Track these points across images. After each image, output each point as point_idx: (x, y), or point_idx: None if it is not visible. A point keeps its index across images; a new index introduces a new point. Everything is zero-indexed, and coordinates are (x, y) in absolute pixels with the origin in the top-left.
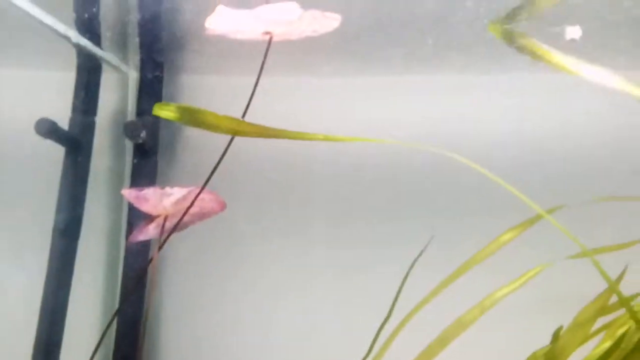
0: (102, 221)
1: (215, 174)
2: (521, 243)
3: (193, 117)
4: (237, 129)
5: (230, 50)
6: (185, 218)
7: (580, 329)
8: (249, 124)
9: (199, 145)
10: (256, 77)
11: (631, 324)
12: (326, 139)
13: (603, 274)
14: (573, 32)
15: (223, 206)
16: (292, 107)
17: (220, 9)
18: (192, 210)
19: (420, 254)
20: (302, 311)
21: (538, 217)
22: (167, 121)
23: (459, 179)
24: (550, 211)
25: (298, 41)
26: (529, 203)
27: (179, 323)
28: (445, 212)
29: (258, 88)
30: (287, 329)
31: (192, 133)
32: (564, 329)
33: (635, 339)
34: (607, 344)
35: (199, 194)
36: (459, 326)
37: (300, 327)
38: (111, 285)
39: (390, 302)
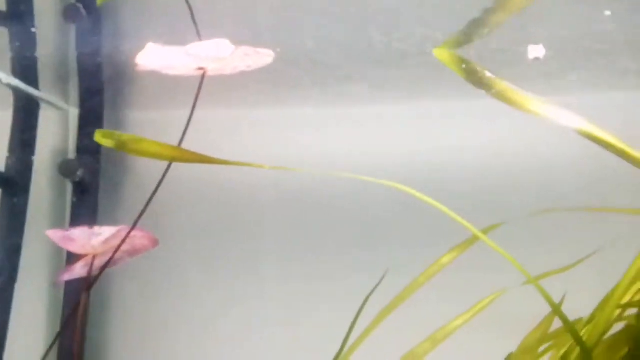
0: (42, 261)
1: (161, 208)
2: (472, 267)
3: (135, 146)
4: (177, 156)
5: (171, 85)
6: (116, 256)
7: (526, 354)
8: (189, 151)
9: (142, 181)
10: (199, 110)
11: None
12: (261, 167)
13: (547, 298)
14: (536, 51)
15: (155, 243)
16: (237, 140)
17: (150, 46)
18: (123, 247)
19: (374, 289)
20: (249, 346)
21: (475, 239)
22: (110, 159)
23: (408, 208)
24: (486, 230)
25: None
26: (466, 225)
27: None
28: (396, 242)
29: (203, 122)
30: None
31: (135, 170)
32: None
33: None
34: None
35: (129, 232)
36: (412, 359)
37: None
38: (52, 326)
39: (341, 336)
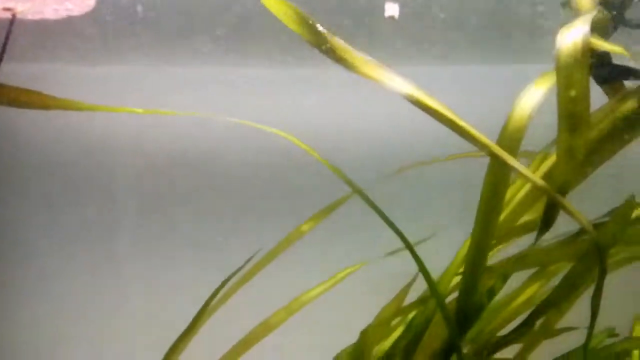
0: None
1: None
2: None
3: None
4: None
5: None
6: None
7: (382, 326)
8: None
9: None
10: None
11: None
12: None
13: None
14: (392, 9)
15: None
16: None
17: None
18: None
19: (244, 264)
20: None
21: (336, 204)
22: None
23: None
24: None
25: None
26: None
27: None
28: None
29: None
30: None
31: None
32: (367, 327)
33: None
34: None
35: None
36: (265, 328)
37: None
38: None
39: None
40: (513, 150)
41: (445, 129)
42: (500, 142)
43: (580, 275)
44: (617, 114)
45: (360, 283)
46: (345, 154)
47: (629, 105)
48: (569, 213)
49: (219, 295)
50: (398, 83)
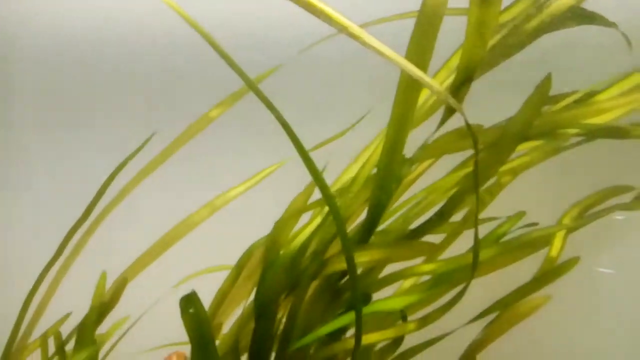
0: None
1: None
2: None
3: None
4: None
5: None
6: None
7: (294, 216)
8: None
9: None
10: None
11: None
12: None
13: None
14: None
15: None
16: None
17: None
18: None
19: (141, 147)
20: None
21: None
22: None
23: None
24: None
25: None
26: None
27: None
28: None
29: None
30: None
31: None
32: (279, 219)
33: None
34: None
35: None
36: (187, 226)
37: None
38: None
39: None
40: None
41: None
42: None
43: (490, 165)
44: None
45: (284, 180)
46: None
47: None
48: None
49: (126, 181)
50: None
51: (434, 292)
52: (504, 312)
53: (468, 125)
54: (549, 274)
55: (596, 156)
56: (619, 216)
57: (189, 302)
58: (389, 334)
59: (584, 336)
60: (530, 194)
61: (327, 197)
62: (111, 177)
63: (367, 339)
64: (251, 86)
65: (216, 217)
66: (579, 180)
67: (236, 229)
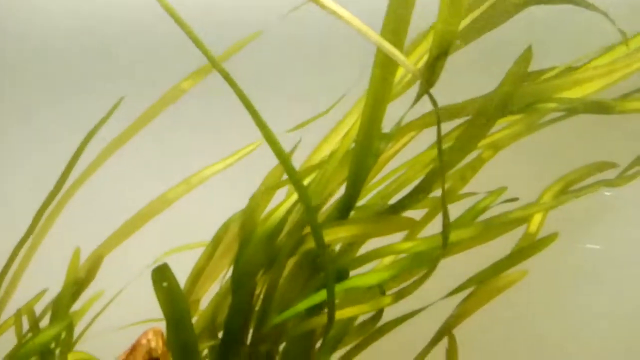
0: None
1: None
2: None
3: None
4: None
5: None
6: None
7: (269, 191)
8: None
9: None
10: None
11: None
12: None
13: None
14: None
15: None
16: None
17: None
18: None
19: (108, 115)
20: None
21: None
22: None
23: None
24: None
25: None
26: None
27: None
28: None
29: None
30: None
31: None
32: (254, 193)
33: None
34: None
35: None
36: (162, 203)
37: None
38: None
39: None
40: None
41: None
42: None
43: (470, 139)
44: None
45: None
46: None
47: None
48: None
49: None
50: None
51: (409, 269)
52: (480, 287)
53: (434, 103)
54: (527, 249)
55: (580, 132)
56: (607, 192)
57: (162, 275)
58: (365, 308)
59: (567, 312)
60: (513, 169)
61: (292, 177)
62: (80, 149)
63: (344, 313)
64: (213, 63)
65: (194, 194)
66: (564, 157)
67: (215, 205)
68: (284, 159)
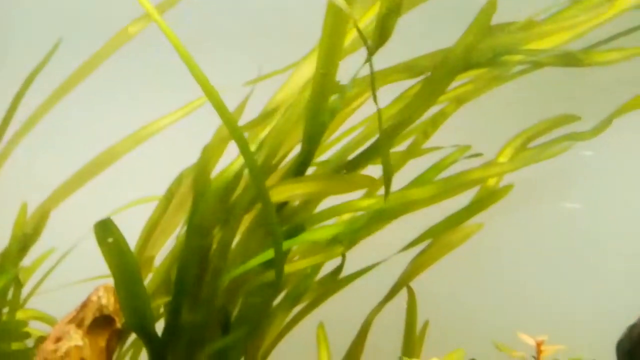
0: None
1: None
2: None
3: None
4: None
5: None
6: None
7: (221, 143)
8: None
9: None
10: None
11: None
12: None
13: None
14: None
15: None
16: None
17: None
18: None
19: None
20: None
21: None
22: None
23: None
24: None
25: None
26: None
27: None
28: None
29: None
30: None
31: None
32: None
33: None
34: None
35: None
36: (111, 155)
37: None
38: None
39: None
40: None
41: None
42: None
43: (431, 93)
44: None
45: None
46: None
47: None
48: None
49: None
50: None
51: (365, 224)
52: (435, 241)
53: (371, 66)
54: (484, 200)
55: (546, 86)
56: (587, 152)
57: (105, 230)
58: (318, 259)
59: (548, 271)
60: (476, 123)
61: (234, 133)
62: (20, 94)
63: (295, 265)
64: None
65: (147, 148)
66: (528, 111)
67: (169, 159)
68: (222, 112)
